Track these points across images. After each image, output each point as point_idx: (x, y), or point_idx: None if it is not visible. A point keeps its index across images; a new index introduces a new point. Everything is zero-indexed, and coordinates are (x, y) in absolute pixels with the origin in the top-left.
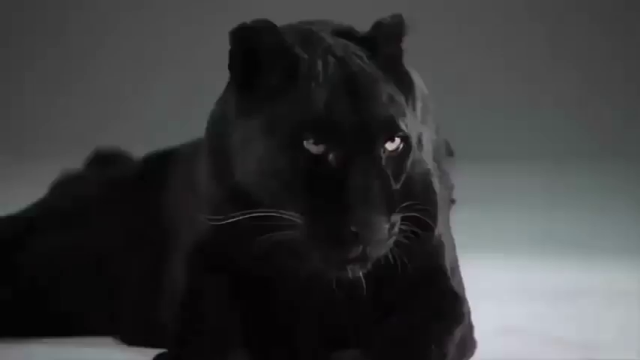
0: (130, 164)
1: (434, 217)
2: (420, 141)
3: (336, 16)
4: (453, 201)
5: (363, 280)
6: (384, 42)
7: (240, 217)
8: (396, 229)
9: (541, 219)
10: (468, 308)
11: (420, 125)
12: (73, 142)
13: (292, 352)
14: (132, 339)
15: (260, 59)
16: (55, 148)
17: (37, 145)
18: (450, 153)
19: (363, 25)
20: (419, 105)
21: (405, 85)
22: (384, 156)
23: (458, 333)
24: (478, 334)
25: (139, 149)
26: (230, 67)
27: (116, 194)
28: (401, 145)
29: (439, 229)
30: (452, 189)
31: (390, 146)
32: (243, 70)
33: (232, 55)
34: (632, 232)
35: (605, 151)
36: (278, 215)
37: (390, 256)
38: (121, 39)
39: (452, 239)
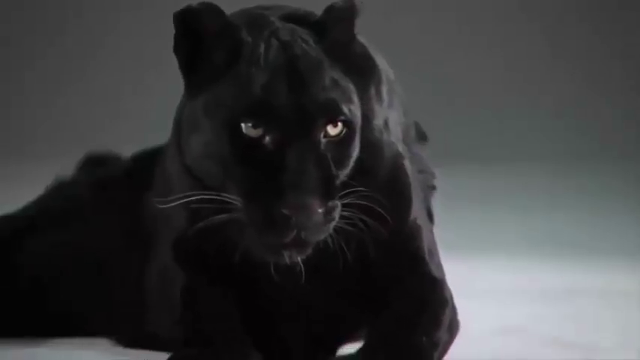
0: (119, 164)
1: (407, 200)
2: (386, 124)
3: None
4: (433, 187)
5: (302, 266)
6: (334, 26)
7: (183, 200)
8: (335, 215)
9: (541, 220)
10: (450, 290)
11: (386, 109)
12: (73, 142)
13: (283, 347)
14: (129, 341)
15: (204, 41)
16: (55, 148)
17: (37, 145)
18: (423, 137)
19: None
20: (384, 88)
21: (361, 69)
22: (324, 140)
23: (446, 318)
24: (478, 334)
25: (138, 149)
26: (175, 49)
27: (106, 194)
28: (343, 130)
29: (414, 213)
30: (432, 175)
31: (331, 131)
32: (188, 52)
33: (177, 37)
34: (632, 232)
35: (605, 151)
36: (220, 199)
37: (329, 241)
38: (121, 39)
39: (428, 222)
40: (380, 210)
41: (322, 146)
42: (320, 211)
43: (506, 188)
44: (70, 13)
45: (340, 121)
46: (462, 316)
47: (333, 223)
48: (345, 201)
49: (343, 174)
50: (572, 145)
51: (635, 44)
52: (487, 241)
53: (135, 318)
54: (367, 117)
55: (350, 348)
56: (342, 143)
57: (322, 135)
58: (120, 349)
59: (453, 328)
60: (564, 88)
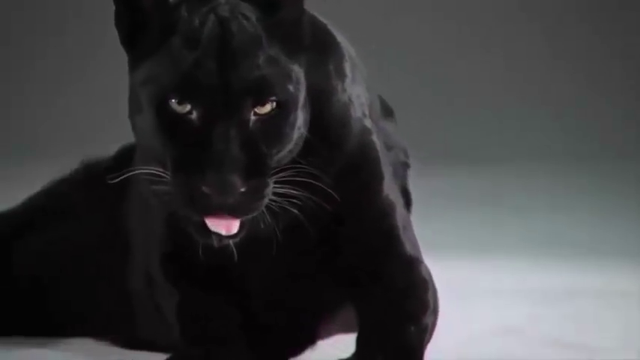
0: (105, 160)
1: (378, 175)
2: (350, 100)
3: (337, 15)
4: (406, 164)
5: (234, 249)
6: (281, 3)
7: (125, 175)
8: (264, 193)
9: (540, 220)
10: (427, 269)
11: (350, 85)
12: (73, 142)
13: (266, 336)
14: (124, 343)
15: (143, 16)
16: (55, 148)
17: (37, 145)
18: (389, 112)
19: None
20: (347, 64)
21: (319, 46)
22: (253, 118)
23: (430, 300)
24: (478, 334)
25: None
26: (115, 23)
27: (92, 192)
28: (274, 109)
29: (386, 189)
30: (403, 152)
31: (261, 109)
32: (129, 26)
33: (117, 10)
34: (632, 233)
35: (605, 152)
36: (156, 173)
37: (261, 223)
38: None
39: (401, 198)
40: (322, 185)
41: (250, 124)
42: (242, 190)
43: (506, 188)
44: (70, 13)
45: (271, 100)
46: (462, 316)
47: (262, 202)
48: (283, 179)
49: (279, 152)
50: (572, 145)
51: (635, 44)
52: (487, 242)
53: (125, 319)
54: (329, 93)
55: (336, 347)
56: (274, 121)
57: (252, 113)
58: (115, 350)
59: (436, 308)
60: (564, 88)
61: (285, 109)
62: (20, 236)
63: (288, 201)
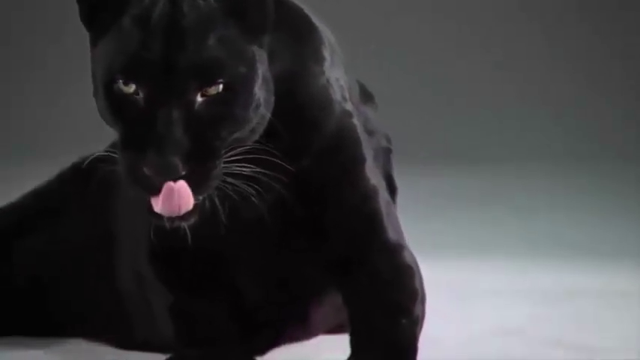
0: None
1: (359, 158)
2: (329, 83)
3: (337, 15)
4: (388, 149)
5: (188, 230)
6: None
7: (90, 159)
8: (208, 176)
9: (541, 220)
10: (412, 255)
11: (329, 69)
12: (73, 142)
13: (254, 321)
14: (127, 343)
15: None
16: (55, 148)
17: (37, 145)
18: (369, 97)
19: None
20: (325, 48)
21: (292, 28)
22: (200, 100)
23: (418, 286)
24: (478, 335)
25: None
26: (77, 1)
27: (84, 189)
28: (223, 92)
29: (368, 173)
30: (385, 137)
31: (209, 91)
32: (87, 4)
33: None
34: (632, 233)
35: (606, 152)
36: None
37: (207, 203)
38: None
39: (383, 182)
40: (275, 160)
41: (196, 106)
42: (183, 173)
43: (506, 189)
44: (71, 13)
45: (218, 82)
46: (462, 316)
47: (207, 185)
48: (235, 158)
49: (231, 134)
50: (572, 145)
51: (635, 44)
52: (487, 242)
53: (122, 320)
54: (305, 75)
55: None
56: (222, 103)
57: (198, 95)
58: (111, 350)
59: (424, 294)
60: (564, 88)
61: (234, 91)
62: (19, 235)
63: (246, 183)
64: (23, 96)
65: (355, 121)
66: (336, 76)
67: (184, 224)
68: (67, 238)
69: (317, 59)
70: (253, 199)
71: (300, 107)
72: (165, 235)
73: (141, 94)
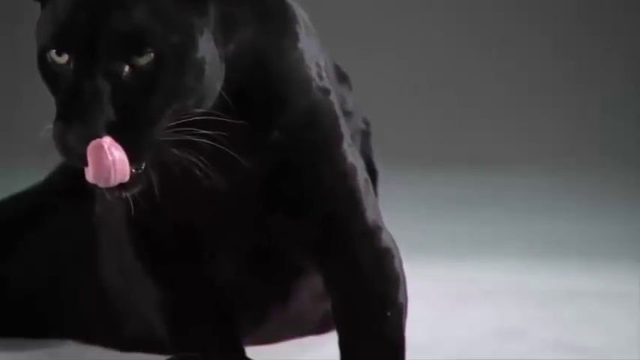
0: None
1: (336, 134)
2: (302, 59)
3: (337, 15)
4: (367, 133)
5: (131, 201)
6: None
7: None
8: (136, 147)
9: (540, 222)
10: (389, 235)
11: (303, 45)
12: None
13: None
14: (115, 341)
15: None
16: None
17: (37, 145)
18: (344, 78)
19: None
20: (300, 27)
21: (260, 5)
22: (129, 70)
23: (398, 269)
24: (478, 337)
25: None
26: None
27: (73, 184)
28: (154, 61)
29: (346, 150)
30: (364, 121)
31: (139, 60)
32: None
33: None
34: (632, 234)
35: (605, 153)
36: None
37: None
38: None
39: (360, 161)
40: (239, 133)
41: (125, 76)
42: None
43: (506, 190)
44: None
45: (147, 52)
46: (463, 318)
47: (137, 155)
48: (174, 129)
49: (169, 104)
50: (571, 146)
51: (638, 46)
52: (487, 243)
53: (107, 319)
54: (273, 50)
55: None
56: (154, 73)
57: (126, 65)
58: (102, 350)
59: (404, 278)
60: (565, 90)
61: (166, 61)
62: (20, 235)
63: (194, 155)
64: (24, 97)
65: (332, 98)
66: (312, 53)
67: (125, 194)
68: (59, 236)
69: (289, 35)
70: (199, 171)
71: (269, 80)
72: (145, 219)
73: (71, 65)
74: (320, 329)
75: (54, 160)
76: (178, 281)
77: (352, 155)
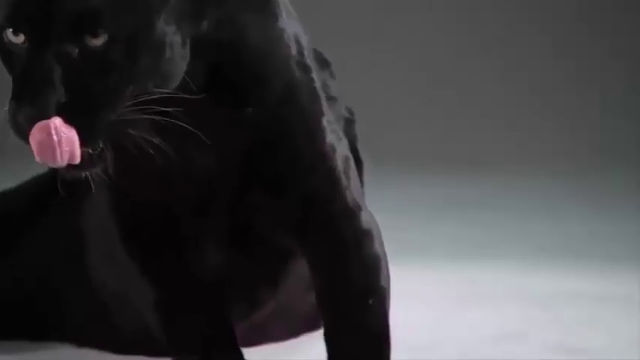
0: None
1: (314, 112)
2: (280, 36)
3: (337, 15)
4: (352, 120)
5: (91, 182)
6: None
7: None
8: (89, 128)
9: (541, 224)
10: (370, 215)
11: (283, 24)
12: None
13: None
14: (115, 344)
15: None
16: None
17: None
18: (325, 64)
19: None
20: (280, 9)
21: None
22: (84, 51)
23: (380, 253)
24: (479, 339)
25: None
26: None
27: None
28: (108, 42)
29: (327, 129)
30: (346, 109)
31: (92, 41)
32: None
33: None
34: (632, 236)
35: (605, 156)
36: None
37: (94, 155)
38: None
39: (344, 140)
40: (212, 111)
41: (78, 56)
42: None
43: (506, 192)
44: None
45: (100, 33)
46: (463, 321)
47: (95, 134)
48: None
49: (123, 85)
50: (571, 148)
51: (635, 46)
52: (487, 246)
53: (101, 321)
54: (252, 27)
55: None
56: (107, 55)
57: (80, 45)
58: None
59: (386, 260)
60: (566, 93)
61: (119, 42)
62: (20, 234)
63: (151, 132)
64: None
65: (314, 75)
66: (294, 31)
67: (83, 173)
68: (50, 237)
69: (268, 14)
70: (155, 150)
71: (246, 57)
72: (128, 210)
73: (27, 45)
74: (311, 323)
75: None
76: (170, 280)
77: (332, 133)
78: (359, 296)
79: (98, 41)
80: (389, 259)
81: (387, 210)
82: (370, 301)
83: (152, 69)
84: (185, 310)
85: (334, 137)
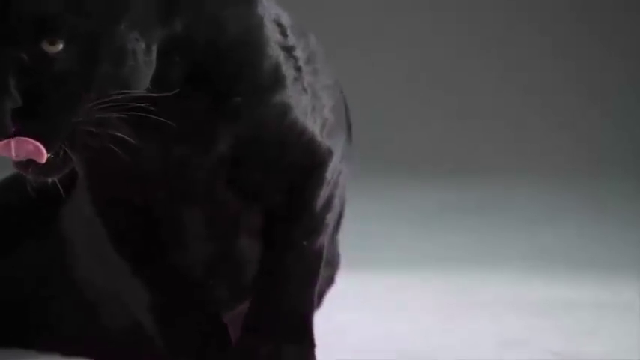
0: None
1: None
2: (262, 22)
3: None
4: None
5: (59, 185)
6: None
7: None
8: (49, 134)
9: (541, 231)
10: (333, 163)
11: (264, 9)
12: None
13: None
14: (105, 353)
15: None
16: None
17: None
18: (303, 34)
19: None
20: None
21: None
22: (36, 57)
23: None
24: (479, 347)
25: None
26: None
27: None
28: (65, 48)
29: (297, 114)
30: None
31: (50, 48)
32: None
33: None
34: (631, 245)
35: (606, 163)
36: None
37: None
38: None
39: (326, 105)
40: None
41: (35, 62)
42: (13, 130)
43: (504, 199)
44: None
45: (56, 39)
46: (462, 328)
47: (56, 139)
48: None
49: (86, 90)
50: (571, 157)
51: (635, 48)
52: (487, 253)
53: (89, 328)
54: (229, 19)
55: None
56: (65, 61)
57: (36, 51)
58: None
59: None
60: (566, 99)
61: (74, 50)
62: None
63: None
64: None
65: (297, 54)
66: (274, 13)
67: (49, 179)
68: (39, 244)
69: (245, 3)
70: (122, 147)
71: (227, 50)
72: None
73: None
74: None
75: None
76: (163, 281)
77: (312, 113)
78: (286, 280)
79: (55, 48)
80: (386, 267)
81: (385, 217)
82: (301, 240)
83: (112, 76)
84: (181, 311)
85: (311, 109)
